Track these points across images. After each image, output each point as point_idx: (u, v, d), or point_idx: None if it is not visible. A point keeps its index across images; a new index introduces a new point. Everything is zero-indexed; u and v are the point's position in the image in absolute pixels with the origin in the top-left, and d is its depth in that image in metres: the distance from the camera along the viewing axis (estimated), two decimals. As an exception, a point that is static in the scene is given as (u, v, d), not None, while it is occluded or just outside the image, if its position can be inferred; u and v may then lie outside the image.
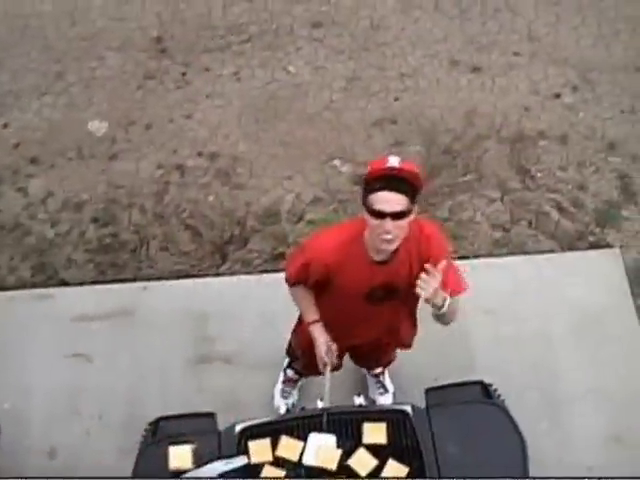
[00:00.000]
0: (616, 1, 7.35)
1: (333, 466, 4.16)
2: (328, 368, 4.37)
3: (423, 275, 3.85)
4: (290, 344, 5.06)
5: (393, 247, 3.93)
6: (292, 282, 4.36)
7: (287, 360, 5.32)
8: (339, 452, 4.20)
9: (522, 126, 6.74)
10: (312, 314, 4.40)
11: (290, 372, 5.35)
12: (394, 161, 3.82)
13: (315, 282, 4.24)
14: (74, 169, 6.57)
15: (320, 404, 4.42)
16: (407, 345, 4.86)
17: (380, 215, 3.80)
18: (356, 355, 5.04)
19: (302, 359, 5.01)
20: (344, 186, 6.42)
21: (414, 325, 4.64)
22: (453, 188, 6.41)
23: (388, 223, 3.80)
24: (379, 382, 5.43)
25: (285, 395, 5.40)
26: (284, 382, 5.40)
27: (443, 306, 3.97)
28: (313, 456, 4.19)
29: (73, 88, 6.97)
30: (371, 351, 4.91)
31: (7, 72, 7.06)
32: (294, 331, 4.84)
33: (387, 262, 4.06)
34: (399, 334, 4.60)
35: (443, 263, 3.89)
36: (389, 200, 3.78)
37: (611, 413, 5.44)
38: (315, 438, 4.23)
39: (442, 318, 4.13)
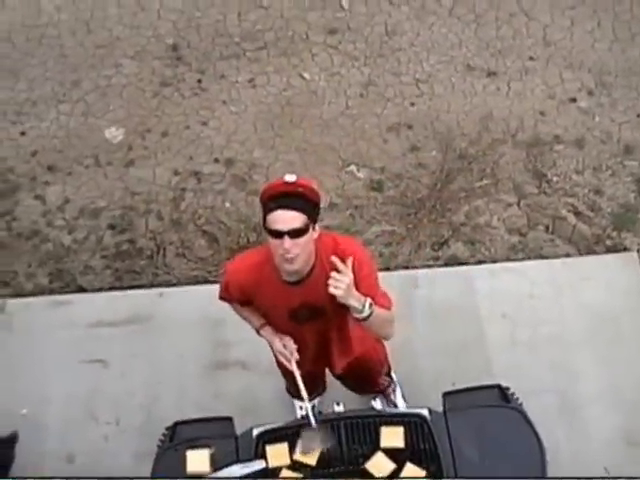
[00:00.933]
0: (632, 4, 7.32)
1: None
2: (293, 362, 4.24)
3: (334, 273, 3.78)
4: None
5: (296, 267, 3.83)
6: (221, 298, 4.34)
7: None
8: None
9: (538, 130, 6.73)
10: (257, 320, 4.32)
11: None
12: (288, 178, 3.78)
13: (238, 299, 4.23)
14: (91, 176, 6.60)
15: (337, 408, 4.42)
16: (372, 370, 4.80)
17: (277, 234, 3.74)
18: (342, 382, 4.98)
19: (288, 382, 5.01)
20: (360, 192, 6.43)
21: (364, 341, 4.46)
22: (469, 193, 6.40)
23: (287, 242, 3.72)
24: (390, 401, 5.37)
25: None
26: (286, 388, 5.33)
27: (363, 310, 3.85)
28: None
29: (89, 96, 7.01)
30: (346, 379, 4.85)
31: (24, 81, 7.11)
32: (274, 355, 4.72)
33: (301, 282, 3.96)
34: (332, 354, 4.41)
35: (350, 259, 3.82)
36: (285, 219, 3.72)
37: (627, 415, 5.42)
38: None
39: (369, 328, 4.00)
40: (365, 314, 3.87)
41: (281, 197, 3.75)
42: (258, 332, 4.35)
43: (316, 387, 5.03)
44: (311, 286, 3.95)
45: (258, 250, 4.19)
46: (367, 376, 4.90)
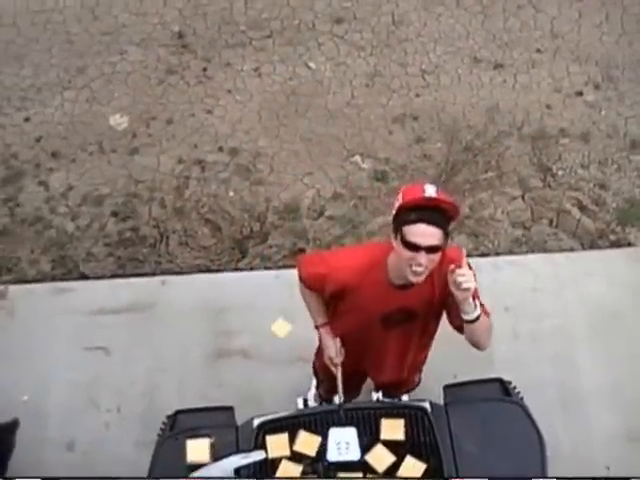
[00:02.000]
0: (640, -2, 7.31)
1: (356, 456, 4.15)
2: (339, 369, 4.31)
3: (459, 270, 3.69)
4: (314, 365, 4.97)
5: (422, 279, 3.78)
6: (307, 285, 4.26)
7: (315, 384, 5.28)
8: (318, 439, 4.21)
9: (544, 124, 6.71)
10: (321, 317, 4.33)
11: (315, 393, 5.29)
12: (431, 190, 3.65)
13: (329, 294, 4.15)
14: (95, 163, 6.59)
15: (337, 399, 4.41)
16: (410, 378, 4.81)
17: (415, 248, 3.66)
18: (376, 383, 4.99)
19: (324, 384, 4.99)
20: (364, 182, 6.42)
21: (427, 349, 4.55)
22: (474, 185, 6.39)
23: (422, 256, 3.66)
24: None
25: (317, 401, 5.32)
26: (317, 387, 5.31)
27: (475, 311, 3.84)
28: (335, 452, 4.17)
29: (94, 83, 6.99)
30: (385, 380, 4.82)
31: (29, 67, 7.09)
32: (316, 354, 4.77)
33: (407, 287, 3.92)
34: (407, 360, 4.43)
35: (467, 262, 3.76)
36: (425, 233, 3.64)
37: (629, 410, 5.42)
38: (335, 433, 4.22)
39: (472, 332, 3.95)
40: (475, 314, 3.85)
41: (426, 210, 3.65)
42: (317, 327, 4.37)
43: (355, 393, 4.98)
44: (415, 291, 3.91)
45: (368, 251, 4.12)
46: (412, 375, 4.89)
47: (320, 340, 4.44)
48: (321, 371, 4.80)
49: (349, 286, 3.99)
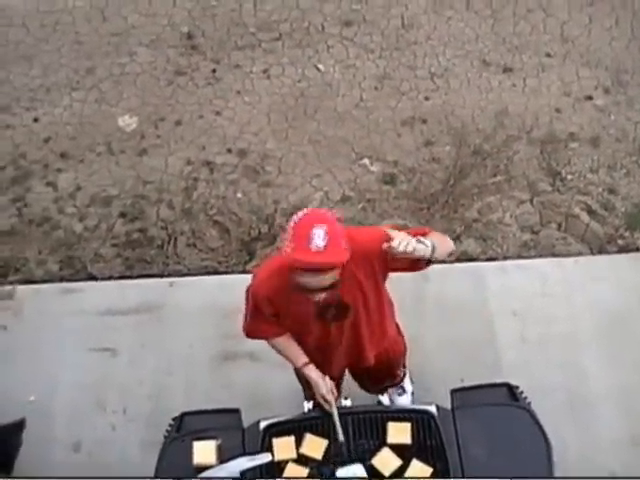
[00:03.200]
0: (651, 3, 7.29)
1: None
2: (333, 405, 4.24)
3: (392, 244, 3.61)
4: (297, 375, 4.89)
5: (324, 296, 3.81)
6: (259, 334, 4.29)
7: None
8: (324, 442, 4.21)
9: (553, 128, 6.69)
10: (300, 357, 4.28)
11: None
12: (318, 245, 3.56)
13: (274, 315, 4.13)
14: (103, 164, 6.60)
15: (345, 402, 4.41)
16: (393, 362, 4.78)
17: (307, 291, 3.73)
18: (358, 382, 4.99)
19: (308, 392, 4.97)
20: (373, 185, 6.41)
21: (387, 336, 4.48)
22: (482, 189, 6.38)
23: (317, 295, 3.74)
24: (400, 388, 5.37)
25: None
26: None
27: (428, 246, 3.73)
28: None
29: (103, 84, 7.00)
30: (367, 375, 4.83)
31: (38, 67, 7.10)
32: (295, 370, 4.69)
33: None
34: (364, 348, 4.36)
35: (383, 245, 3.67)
36: (315, 281, 3.69)
37: (637, 415, 5.39)
38: (343, 471, 4.19)
39: (441, 256, 3.86)
40: (430, 249, 3.74)
41: (311, 270, 3.66)
42: (301, 369, 4.31)
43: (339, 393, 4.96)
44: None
45: (273, 260, 4.12)
46: (388, 370, 4.86)
47: (307, 379, 4.36)
48: (301, 380, 4.76)
49: (273, 293, 3.99)
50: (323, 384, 4.24)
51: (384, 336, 4.43)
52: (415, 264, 3.88)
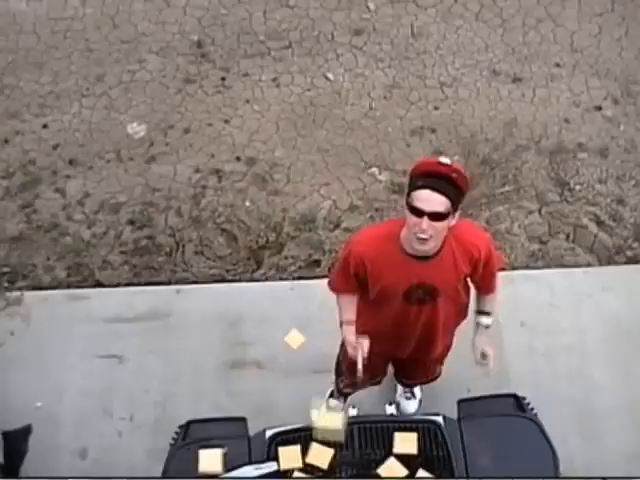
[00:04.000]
0: (660, 13, 7.29)
1: None
2: (359, 363, 4.25)
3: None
4: (338, 359, 4.96)
5: (427, 248, 3.90)
6: (334, 286, 4.33)
7: (334, 380, 5.25)
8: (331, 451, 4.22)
9: (562, 138, 6.69)
10: (349, 314, 4.33)
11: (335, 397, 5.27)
12: (443, 160, 3.82)
13: (356, 277, 4.18)
14: (112, 171, 6.61)
15: (351, 412, 4.40)
16: (439, 358, 4.81)
17: (418, 213, 3.77)
18: (399, 369, 5.02)
19: (345, 378, 4.98)
20: (381, 194, 6.41)
21: (451, 334, 4.59)
22: (491, 199, 6.37)
23: (425, 222, 3.77)
24: (408, 388, 5.38)
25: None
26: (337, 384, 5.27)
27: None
28: None
29: (113, 91, 7.01)
30: (413, 364, 4.86)
31: (48, 74, 7.12)
32: (340, 346, 4.73)
33: (425, 260, 3.99)
34: (435, 341, 4.48)
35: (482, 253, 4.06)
36: (430, 199, 3.75)
37: (645, 429, 5.39)
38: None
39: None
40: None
41: (433, 177, 3.77)
42: (341, 324, 4.36)
43: (379, 376, 5.01)
44: (434, 267, 4.00)
45: (385, 224, 4.33)
46: (435, 363, 4.92)
47: (343, 334, 4.40)
48: (344, 362, 4.77)
49: (367, 258, 4.06)
50: (353, 343, 4.26)
51: (452, 332, 4.57)
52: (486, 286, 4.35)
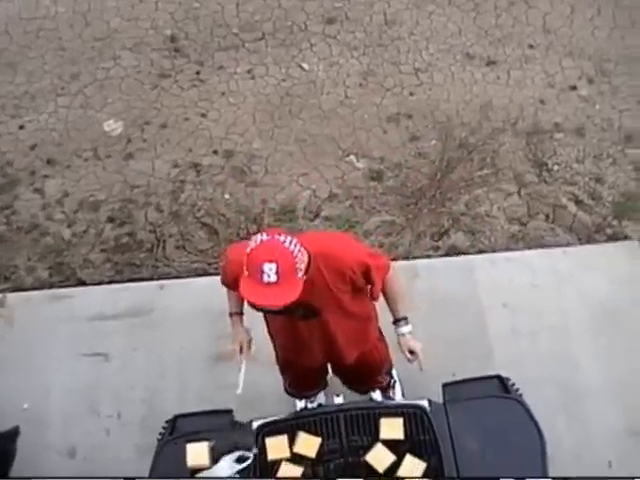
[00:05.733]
0: (631, -9, 7.30)
1: None
2: (238, 356, 4.35)
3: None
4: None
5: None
6: (223, 282, 4.34)
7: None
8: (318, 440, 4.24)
9: (538, 119, 6.71)
10: (234, 307, 4.38)
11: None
12: (269, 278, 3.62)
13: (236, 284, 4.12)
14: (90, 169, 6.60)
15: (337, 399, 4.42)
16: (374, 368, 4.80)
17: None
18: (341, 380, 5.02)
19: (284, 377, 5.02)
20: (360, 182, 6.41)
21: (366, 341, 4.54)
22: (469, 182, 6.39)
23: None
24: (388, 397, 5.32)
25: (312, 400, 5.32)
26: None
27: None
28: None
29: (88, 89, 6.99)
30: (348, 376, 4.86)
31: (23, 74, 7.10)
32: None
33: None
34: (340, 347, 4.39)
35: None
36: (268, 309, 3.77)
37: (629, 405, 5.40)
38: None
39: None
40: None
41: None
42: (230, 315, 4.43)
43: (318, 383, 5.06)
44: (306, 287, 3.81)
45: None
46: (368, 373, 4.87)
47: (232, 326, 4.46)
48: (280, 367, 4.79)
49: (239, 275, 3.95)
50: (238, 337, 4.34)
51: (365, 340, 4.49)
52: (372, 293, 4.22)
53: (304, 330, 4.22)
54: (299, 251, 3.70)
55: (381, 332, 4.65)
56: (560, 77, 6.91)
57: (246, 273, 3.68)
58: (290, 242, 3.70)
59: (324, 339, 4.29)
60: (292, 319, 4.13)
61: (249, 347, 4.40)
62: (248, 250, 3.68)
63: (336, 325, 4.22)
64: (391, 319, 4.41)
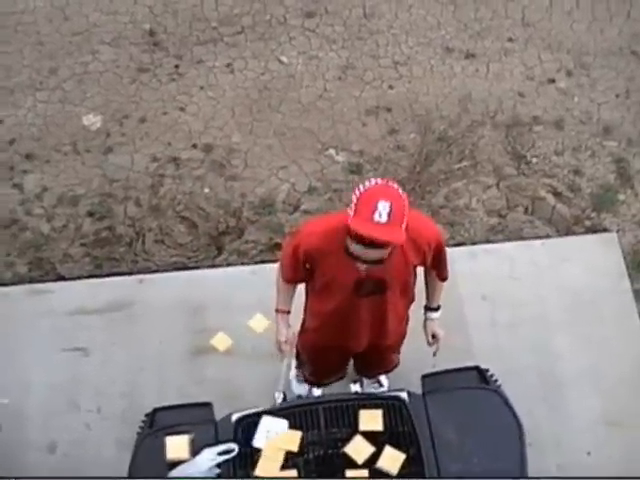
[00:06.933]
0: (609, -16, 7.33)
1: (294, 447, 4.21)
2: (286, 354, 4.35)
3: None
4: (297, 349, 4.98)
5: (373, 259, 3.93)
6: (286, 276, 4.35)
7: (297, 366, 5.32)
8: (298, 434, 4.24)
9: (517, 112, 6.73)
10: (285, 304, 4.40)
11: (299, 373, 5.34)
12: (380, 218, 3.68)
13: (305, 268, 4.21)
14: (69, 164, 6.56)
15: (316, 392, 4.43)
16: (394, 346, 4.84)
17: (355, 258, 3.86)
18: (357, 362, 5.06)
19: (306, 368, 5.03)
20: (339, 175, 6.42)
21: (403, 322, 4.61)
22: (448, 175, 6.40)
23: (363, 264, 3.90)
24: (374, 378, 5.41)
25: (300, 380, 5.37)
26: (298, 367, 5.34)
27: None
28: (263, 439, 4.23)
29: (67, 83, 6.96)
30: (369, 356, 4.88)
31: (1, 69, 7.04)
32: (299, 334, 4.74)
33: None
34: (387, 331, 4.49)
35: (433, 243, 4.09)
36: (367, 252, 3.82)
37: (607, 395, 5.46)
38: (267, 421, 4.27)
39: None
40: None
41: (369, 244, 3.78)
42: (276, 311, 4.42)
43: (341, 370, 5.10)
44: (384, 263, 3.98)
45: (335, 216, 4.19)
46: (388, 353, 4.94)
47: (276, 322, 4.48)
48: (303, 353, 4.82)
49: (318, 250, 4.07)
50: (284, 333, 4.35)
51: (402, 320, 4.58)
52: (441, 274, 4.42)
53: (363, 308, 4.26)
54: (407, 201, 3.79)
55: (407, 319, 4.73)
56: (539, 70, 6.93)
57: (352, 214, 3.74)
58: (402, 191, 3.78)
59: (378, 319, 4.36)
60: (353, 296, 4.17)
61: (293, 345, 4.43)
62: (360, 189, 3.76)
63: (394, 305, 4.32)
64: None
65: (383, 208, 3.67)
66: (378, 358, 4.96)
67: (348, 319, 4.33)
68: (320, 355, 4.75)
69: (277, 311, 4.42)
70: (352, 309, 4.25)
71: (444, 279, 4.46)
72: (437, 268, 4.34)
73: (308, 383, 5.27)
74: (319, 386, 5.24)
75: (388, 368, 5.18)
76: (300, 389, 5.38)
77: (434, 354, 4.62)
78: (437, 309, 4.59)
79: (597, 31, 7.12)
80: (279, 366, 4.59)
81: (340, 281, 4.13)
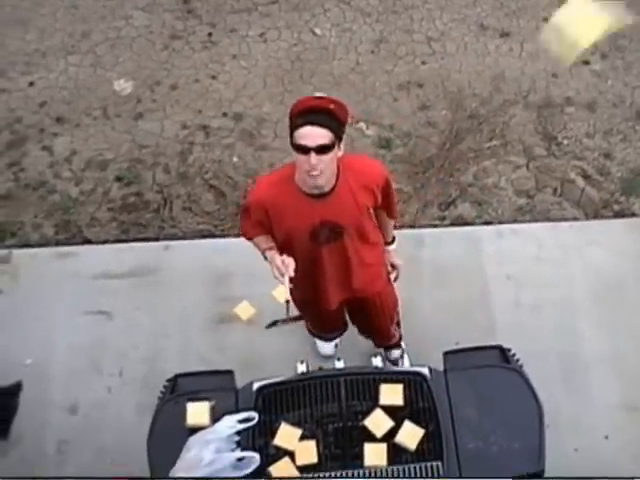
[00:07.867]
0: (651, -35, 7.23)
1: None
2: (286, 277, 4.15)
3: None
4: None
5: (321, 182, 3.97)
6: (243, 232, 4.42)
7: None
8: None
9: (549, 92, 6.68)
10: (268, 243, 4.32)
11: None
12: (317, 94, 3.94)
13: (261, 223, 4.25)
14: (99, 128, 6.59)
15: (337, 364, 4.43)
16: (375, 300, 4.81)
17: (304, 150, 3.85)
18: (355, 323, 5.11)
19: (306, 319, 5.08)
20: (369, 149, 6.40)
21: (371, 270, 4.58)
22: (478, 153, 6.37)
23: (313, 158, 3.84)
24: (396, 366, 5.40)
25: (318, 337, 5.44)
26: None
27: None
28: None
29: (99, 47, 6.98)
30: (358, 315, 4.96)
31: (34, 31, 7.08)
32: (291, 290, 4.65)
33: (323, 197, 4.07)
34: (352, 277, 4.49)
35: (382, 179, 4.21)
36: (312, 135, 3.84)
37: (629, 380, 5.42)
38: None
39: None
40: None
41: (310, 113, 3.86)
42: (264, 252, 4.35)
43: (336, 326, 5.17)
44: (334, 203, 4.08)
45: (279, 170, 4.33)
46: (381, 320, 4.94)
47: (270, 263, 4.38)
48: (298, 307, 4.81)
49: (266, 203, 4.14)
50: (278, 257, 4.17)
51: (377, 276, 4.63)
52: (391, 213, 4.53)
53: (325, 258, 4.30)
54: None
55: (389, 278, 4.77)
56: (574, 51, 6.86)
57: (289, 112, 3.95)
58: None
59: (342, 267, 4.39)
60: (313, 246, 4.22)
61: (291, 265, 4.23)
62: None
63: (355, 251, 4.35)
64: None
65: (318, 94, 4.06)
66: (373, 325, 5.01)
67: (314, 271, 4.37)
68: (307, 309, 4.75)
69: (263, 253, 4.35)
70: (315, 261, 4.31)
71: (394, 218, 4.59)
72: (388, 208, 4.43)
73: (313, 335, 5.37)
74: (324, 340, 5.36)
75: (389, 340, 5.23)
76: (324, 348, 5.44)
77: (395, 280, 4.79)
78: (392, 242, 4.70)
79: (634, 13, 7.01)
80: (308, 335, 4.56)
81: (296, 232, 4.18)
